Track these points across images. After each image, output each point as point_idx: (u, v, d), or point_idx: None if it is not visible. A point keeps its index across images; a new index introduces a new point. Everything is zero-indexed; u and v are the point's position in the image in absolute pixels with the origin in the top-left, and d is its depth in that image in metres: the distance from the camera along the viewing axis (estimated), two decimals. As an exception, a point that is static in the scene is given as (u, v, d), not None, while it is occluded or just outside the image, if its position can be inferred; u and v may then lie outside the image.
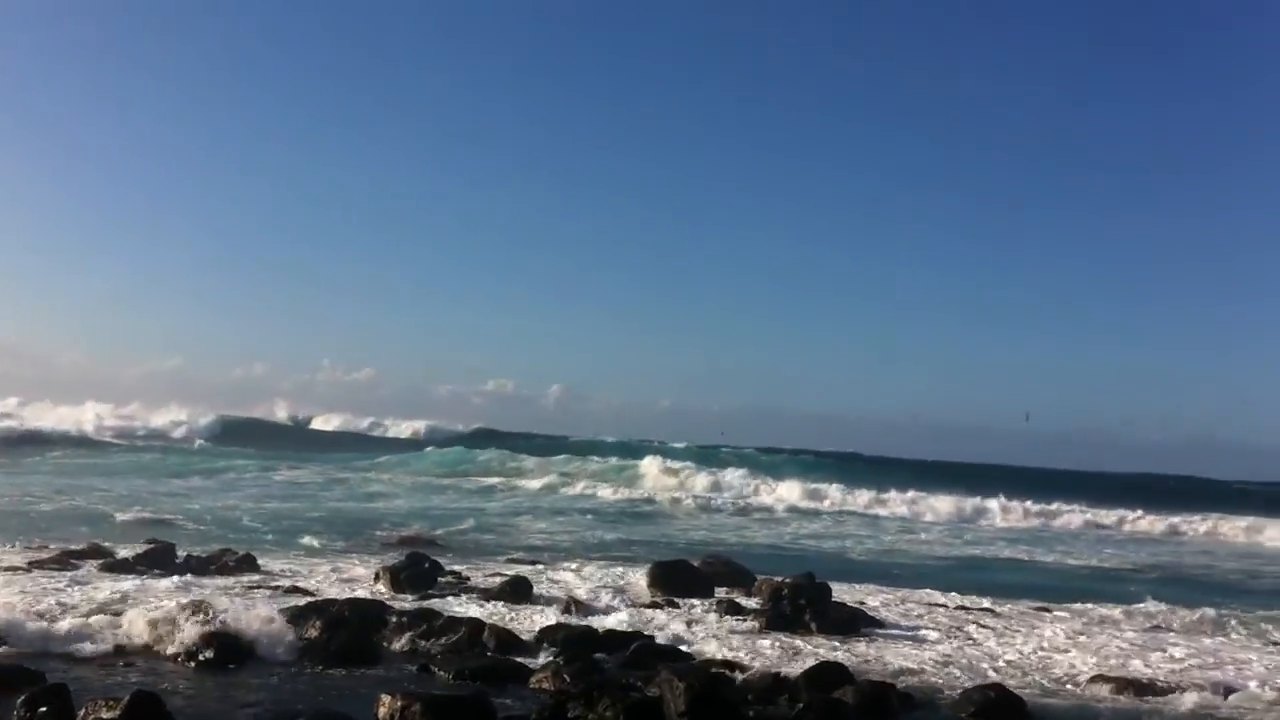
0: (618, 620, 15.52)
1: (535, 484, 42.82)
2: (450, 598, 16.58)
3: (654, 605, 17.17)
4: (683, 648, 13.75)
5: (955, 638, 16.11)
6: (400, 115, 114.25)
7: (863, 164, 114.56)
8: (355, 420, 75.84)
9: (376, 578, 17.71)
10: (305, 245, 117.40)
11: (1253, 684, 13.71)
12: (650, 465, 49.39)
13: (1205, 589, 24.79)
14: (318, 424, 76.00)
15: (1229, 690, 13.16)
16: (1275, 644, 17.12)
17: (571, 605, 16.35)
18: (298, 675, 11.70)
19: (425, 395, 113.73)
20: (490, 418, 78.24)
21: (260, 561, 19.06)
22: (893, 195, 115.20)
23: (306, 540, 23.22)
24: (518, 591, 16.97)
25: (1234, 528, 41.82)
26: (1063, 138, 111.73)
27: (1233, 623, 18.57)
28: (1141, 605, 19.83)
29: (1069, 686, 13.20)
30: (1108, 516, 42.40)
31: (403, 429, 73.17)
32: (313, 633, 13.05)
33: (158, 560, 18.41)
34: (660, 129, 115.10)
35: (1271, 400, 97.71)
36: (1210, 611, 19.05)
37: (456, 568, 19.44)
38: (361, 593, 16.59)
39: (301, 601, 15.03)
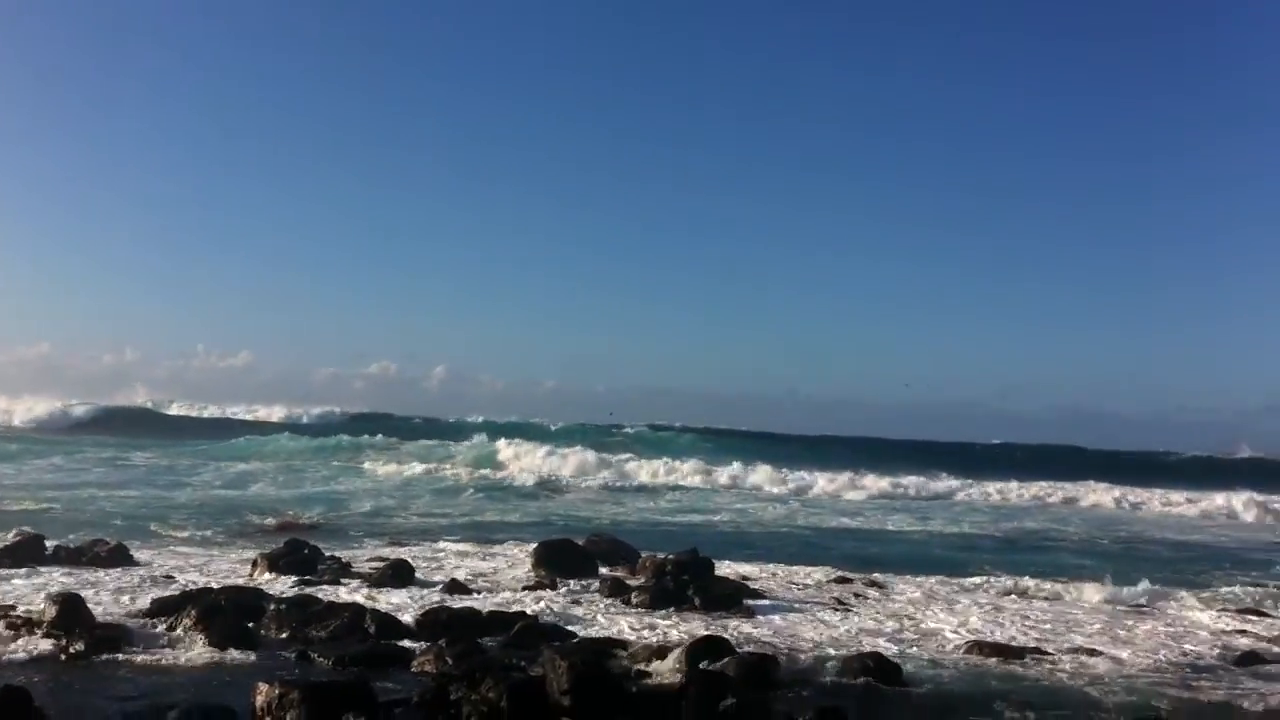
0: (501, 601, 15.47)
1: (416, 467, 42.31)
2: (330, 584, 16.36)
3: (538, 585, 17.14)
4: (567, 627, 13.77)
5: (835, 608, 16.37)
6: (265, 100, 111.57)
7: (728, 147, 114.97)
8: (230, 405, 74.37)
9: (254, 565, 17.42)
10: (177, 226, 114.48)
11: (1124, 651, 14.18)
12: (532, 445, 49.25)
13: (1079, 554, 25.53)
14: (189, 410, 74.39)
15: (1097, 653, 13.59)
16: (1140, 608, 17.68)
17: (454, 587, 16.27)
18: (173, 666, 11.44)
19: (305, 379, 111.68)
20: (373, 401, 77.37)
21: (133, 552, 18.57)
22: (758, 173, 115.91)
23: (179, 529, 22.71)
24: (399, 575, 16.81)
25: (1103, 494, 42.98)
26: (946, 114, 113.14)
27: (1108, 588, 19.12)
28: (1015, 575, 20.39)
29: (945, 653, 13.49)
30: (983, 486, 43.27)
31: (280, 413, 71.83)
32: (188, 622, 12.76)
33: (26, 553, 17.80)
34: (532, 112, 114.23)
35: (1143, 374, 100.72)
36: (1102, 585, 19.53)
37: (336, 553, 19.19)
38: (239, 581, 16.30)
39: (176, 590, 14.73)
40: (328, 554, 18.68)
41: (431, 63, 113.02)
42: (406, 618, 13.76)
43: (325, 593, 15.36)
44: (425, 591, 16.11)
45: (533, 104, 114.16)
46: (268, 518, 25.39)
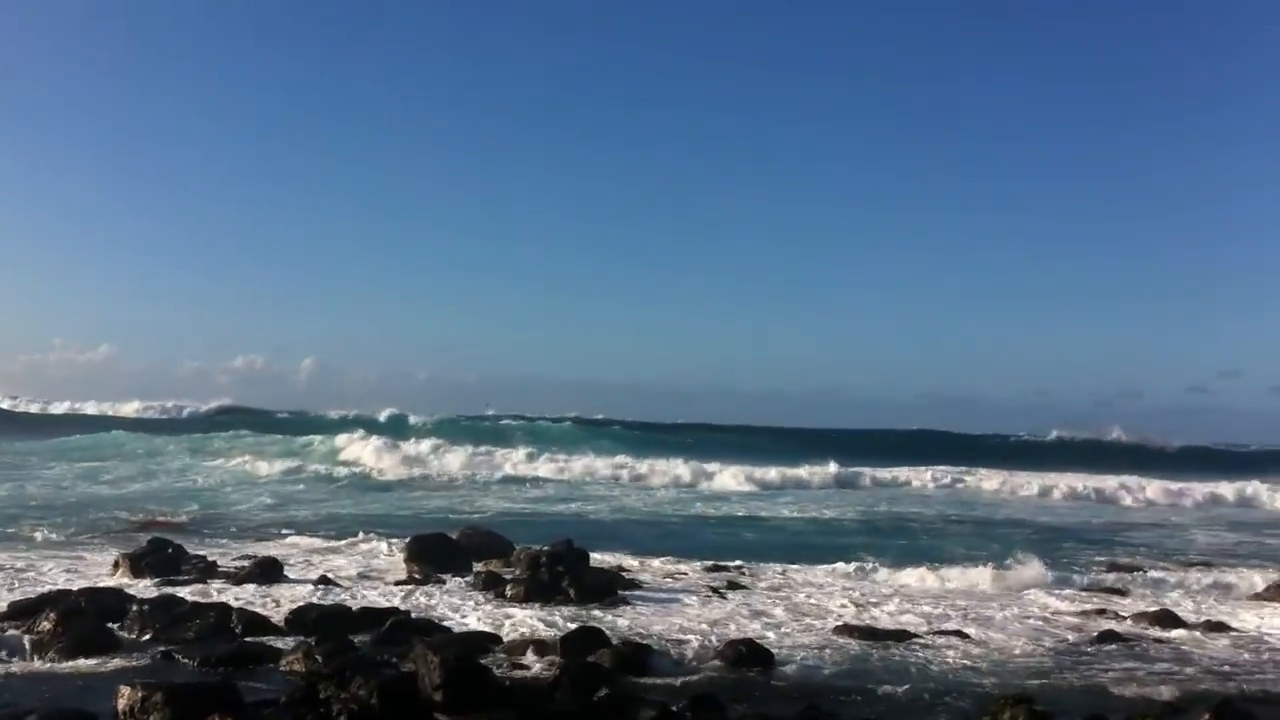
0: (372, 597, 15.29)
1: (281, 464, 40.90)
2: (196, 583, 15.99)
3: (411, 580, 16.98)
4: (440, 622, 13.66)
5: (708, 596, 16.55)
6: (114, 83, 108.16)
7: (603, 133, 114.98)
8: (82, 402, 71.95)
9: (116, 566, 16.94)
10: (30, 215, 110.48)
11: (992, 633, 14.56)
12: (404, 438, 48.71)
13: (941, 537, 26.09)
14: (42, 406, 71.91)
15: (965, 636, 13.93)
16: (1006, 591, 18.17)
17: (324, 584, 16.04)
18: (31, 671, 11.06)
19: (169, 373, 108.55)
20: (239, 394, 75.64)
21: (-15, 555, 17.93)
22: (645, 163, 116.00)
23: (35, 529, 21.92)
24: (267, 573, 16.51)
25: (970, 477, 43.96)
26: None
27: (968, 570, 19.59)
28: (883, 559, 20.80)
29: (817, 637, 13.70)
30: (858, 471, 43.73)
31: (139, 408, 69.71)
32: (46, 625, 12.36)
33: None
34: (394, 94, 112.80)
35: (1007, 360, 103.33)
36: (965, 568, 20.00)
37: (202, 552, 18.76)
38: (100, 582, 15.83)
39: (33, 593, 14.25)
40: (193, 553, 18.25)
41: (279, 44, 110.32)
42: (275, 616, 13.52)
43: (190, 592, 15.00)
44: (294, 589, 15.85)
45: (394, 87, 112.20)
46: (129, 516, 24.66)
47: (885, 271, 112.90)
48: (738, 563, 20.12)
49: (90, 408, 70.55)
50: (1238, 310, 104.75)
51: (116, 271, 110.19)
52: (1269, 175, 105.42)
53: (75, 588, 14.68)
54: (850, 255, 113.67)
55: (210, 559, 18.04)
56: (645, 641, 12.80)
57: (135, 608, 13.21)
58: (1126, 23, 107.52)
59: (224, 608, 13.47)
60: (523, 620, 14.17)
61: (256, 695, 9.79)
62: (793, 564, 20.06)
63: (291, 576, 16.86)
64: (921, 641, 13.55)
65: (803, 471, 42.07)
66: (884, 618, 15.09)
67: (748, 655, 12.06)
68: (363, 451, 45.22)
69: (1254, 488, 40.29)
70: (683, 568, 19.43)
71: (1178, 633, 14.63)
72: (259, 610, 13.71)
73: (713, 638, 13.30)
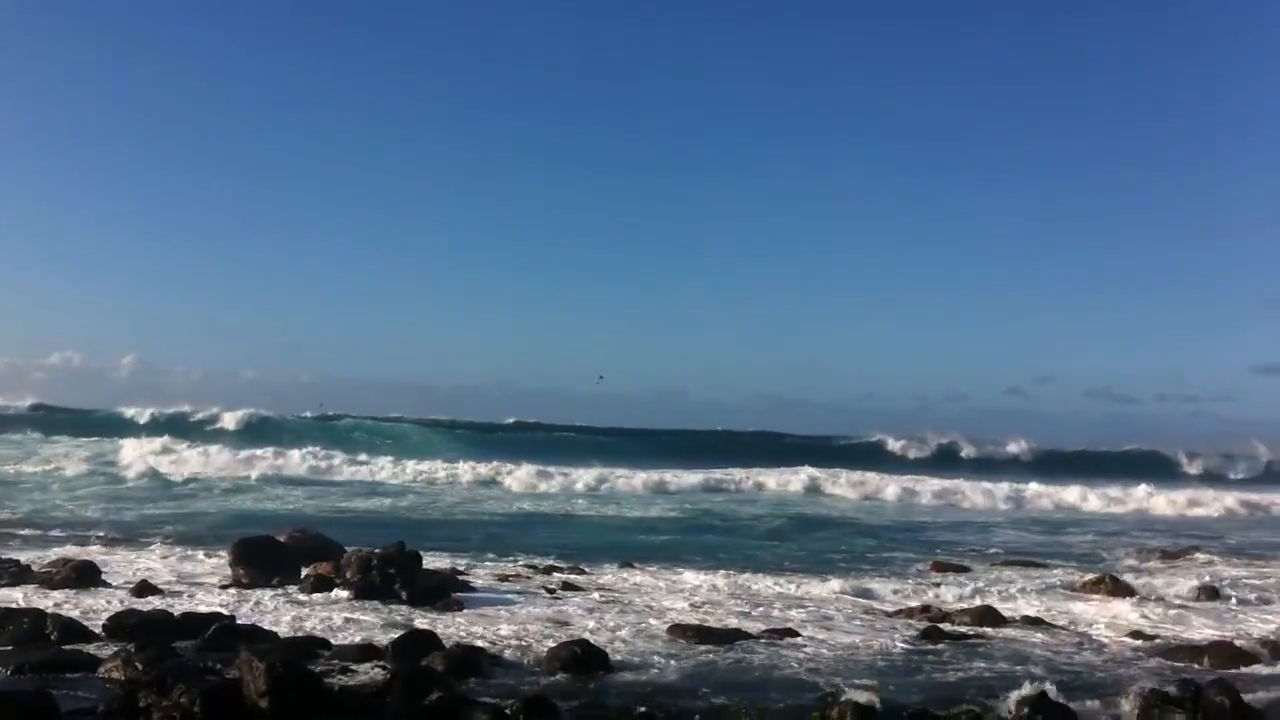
0: (195, 603, 14.86)
1: (96, 464, 38.78)
2: (7, 587, 15.33)
3: (237, 584, 16.57)
4: (267, 627, 13.34)
5: (543, 597, 16.55)
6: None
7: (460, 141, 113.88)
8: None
9: (-81, 572, 16.13)
10: None
11: (822, 633, 14.87)
12: (225, 439, 47.41)
13: (774, 539, 26.58)
14: None
15: (795, 634, 14.20)
16: (838, 593, 18.60)
17: (144, 589, 15.53)
18: None
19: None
20: (54, 393, 72.28)
21: None
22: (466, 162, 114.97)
23: None
24: (84, 577, 15.92)
25: (792, 477, 44.64)
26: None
27: (799, 572, 19.99)
28: (714, 558, 21.12)
29: (651, 638, 13.80)
30: (690, 474, 43.93)
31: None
32: None
33: None
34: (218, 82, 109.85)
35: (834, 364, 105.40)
36: (794, 575, 20.39)
37: (12, 555, 17.99)
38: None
39: None
40: (3, 556, 17.49)
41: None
42: (93, 623, 13.03)
43: (3, 596, 14.38)
44: (112, 594, 15.32)
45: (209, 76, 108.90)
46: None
47: (722, 275, 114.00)
48: (572, 563, 20.18)
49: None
50: (1053, 314, 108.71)
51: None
52: (1098, 175, 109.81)
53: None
54: (688, 260, 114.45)
55: (22, 562, 17.31)
56: (478, 644, 12.74)
57: (-60, 615, 12.61)
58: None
59: (38, 613, 12.92)
60: (354, 623, 13.96)
61: (74, 704, 9.46)
62: (628, 565, 20.19)
63: (109, 581, 16.29)
64: (754, 641, 13.75)
65: (639, 476, 42.16)
66: (718, 618, 15.28)
67: (582, 656, 12.07)
68: (184, 452, 43.60)
69: (1070, 490, 41.97)
70: (519, 569, 19.38)
71: (999, 629, 15.16)
72: (75, 616, 13.21)
73: (547, 638, 13.29)
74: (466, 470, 42.22)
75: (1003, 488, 41.52)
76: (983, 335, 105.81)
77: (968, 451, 61.67)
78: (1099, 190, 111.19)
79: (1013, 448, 62.40)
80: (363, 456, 44.41)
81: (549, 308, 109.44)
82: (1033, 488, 41.75)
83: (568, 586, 17.62)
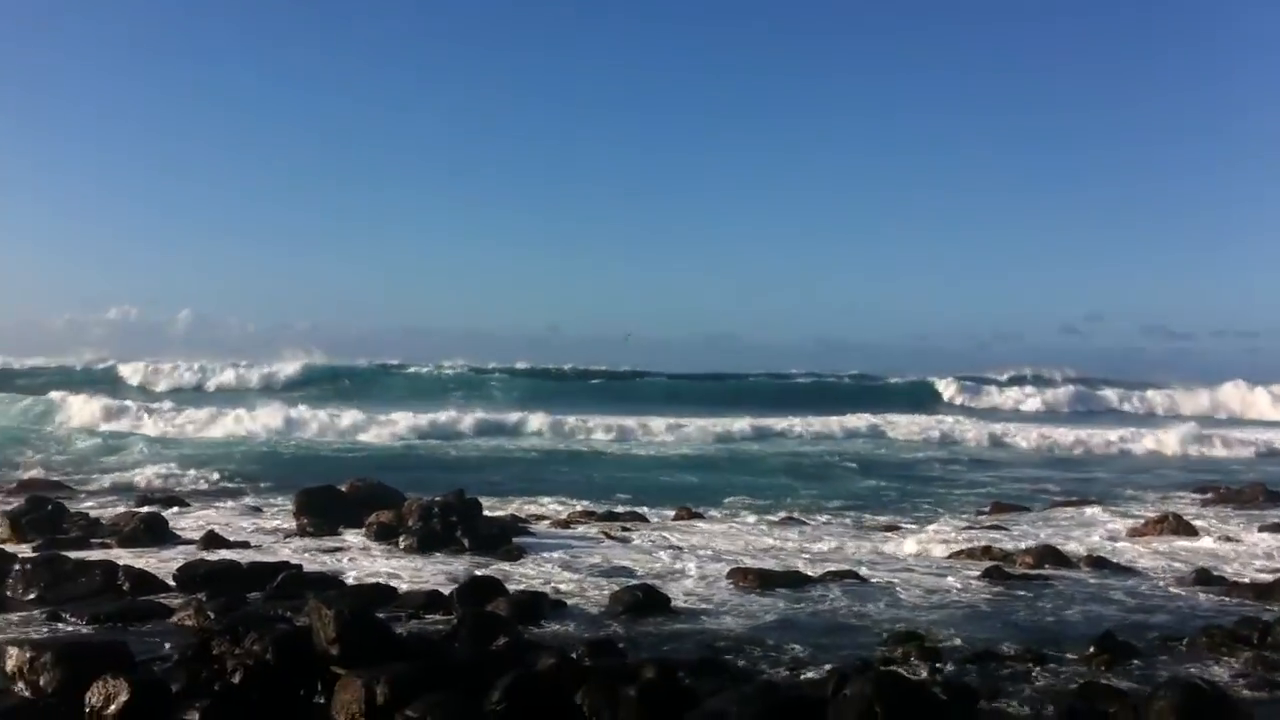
0: (262, 552, 15.09)
1: (158, 424, 38.57)
2: (79, 542, 15.61)
3: (302, 534, 16.81)
4: (333, 575, 13.53)
5: (603, 542, 16.67)
6: None
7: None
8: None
9: (-7, 525, 16.46)
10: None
11: (883, 572, 14.88)
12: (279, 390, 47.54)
13: (820, 478, 26.52)
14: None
15: (851, 575, 14.21)
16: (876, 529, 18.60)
17: (211, 540, 15.77)
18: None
19: (40, 326, 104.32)
20: (113, 348, 73.09)
21: None
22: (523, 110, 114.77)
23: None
24: (153, 530, 16.19)
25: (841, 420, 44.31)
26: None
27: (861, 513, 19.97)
28: (758, 499, 21.17)
29: (713, 581, 13.87)
30: (730, 418, 43.73)
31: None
32: (-78, 589, 12.02)
33: None
34: (244, 33, 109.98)
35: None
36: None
37: (85, 508, 18.33)
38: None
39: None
40: (74, 509, 17.83)
41: None
42: (163, 573, 13.27)
43: (76, 549, 14.64)
44: (182, 546, 15.59)
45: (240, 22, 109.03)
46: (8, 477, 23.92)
47: (772, 217, 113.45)
48: (630, 508, 20.29)
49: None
50: (1105, 248, 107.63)
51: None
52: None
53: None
54: (741, 201, 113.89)
55: (93, 516, 17.64)
56: (542, 590, 12.86)
57: (18, 567, 12.85)
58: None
59: (110, 565, 13.15)
60: (417, 571, 14.14)
61: (148, 653, 9.64)
62: (686, 509, 20.26)
63: (177, 532, 16.57)
64: (815, 584, 13.76)
65: (694, 421, 42.00)
66: (779, 561, 15.33)
67: (645, 600, 12.15)
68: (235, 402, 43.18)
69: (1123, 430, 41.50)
70: (578, 513, 19.52)
71: (1061, 569, 15.09)
72: (146, 568, 13.45)
73: (609, 584, 13.39)
74: (527, 417, 41.95)
75: (1059, 431, 40.99)
76: (1034, 272, 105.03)
77: (1026, 390, 61.14)
78: (1152, 116, 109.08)
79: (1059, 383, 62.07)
80: (415, 403, 44.36)
81: (597, 250, 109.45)
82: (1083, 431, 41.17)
83: (627, 530, 17.73)
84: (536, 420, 39.14)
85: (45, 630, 10.84)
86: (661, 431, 37.53)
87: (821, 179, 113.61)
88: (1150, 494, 24.81)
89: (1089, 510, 21.48)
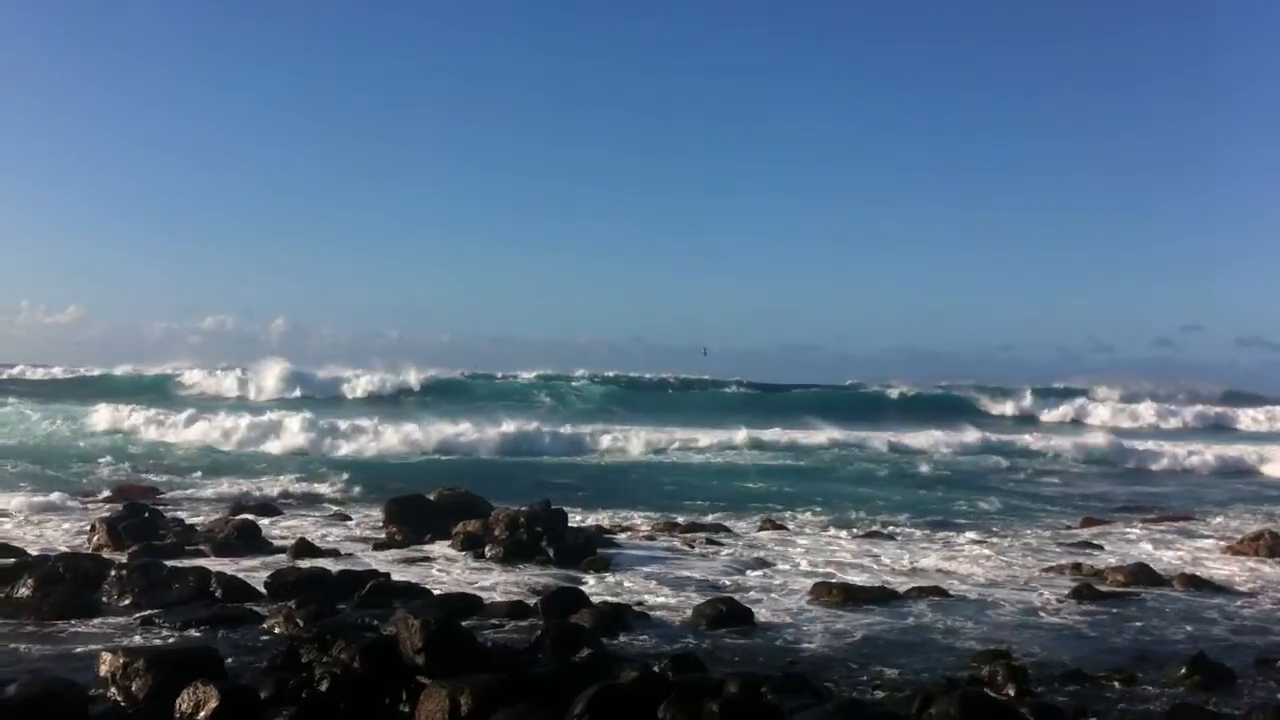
0: (352, 561, 15.29)
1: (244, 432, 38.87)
2: (174, 548, 15.93)
3: (391, 542, 17.01)
4: (420, 584, 13.66)
5: (687, 554, 16.67)
6: (66, 38, 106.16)
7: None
8: (58, 364, 69.97)
9: (92, 530, 16.86)
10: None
11: (970, 588, 14.70)
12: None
13: (908, 490, 26.25)
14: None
15: (938, 592, 14.05)
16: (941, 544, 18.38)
17: (302, 548, 16.01)
18: (9, 638, 11.00)
19: (137, 334, 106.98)
20: (208, 356, 74.47)
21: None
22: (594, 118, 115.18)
23: (14, 498, 21.62)
24: (245, 538, 16.48)
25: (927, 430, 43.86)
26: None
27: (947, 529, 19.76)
28: (836, 512, 21.05)
29: (796, 595, 13.80)
30: (813, 429, 43.34)
31: (108, 370, 67.29)
32: (24, 592, 12.35)
33: None
34: (368, 52, 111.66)
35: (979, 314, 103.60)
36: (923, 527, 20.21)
37: (180, 515, 18.72)
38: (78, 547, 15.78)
39: (9, 560, 14.18)
40: (170, 516, 18.22)
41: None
42: (254, 580, 13.50)
43: (171, 556, 14.95)
44: (274, 555, 15.84)
45: (369, 45, 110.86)
46: (109, 481, 24.48)
47: (854, 227, 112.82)
48: (714, 520, 20.28)
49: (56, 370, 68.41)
50: (1200, 259, 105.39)
51: (84, 233, 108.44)
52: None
53: (54, 552, 14.64)
54: (817, 208, 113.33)
55: (188, 523, 18.01)
56: (626, 602, 12.89)
57: (114, 573, 13.16)
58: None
59: (203, 572, 13.42)
60: (503, 582, 14.24)
61: (238, 659, 9.82)
62: (770, 521, 20.20)
63: (269, 540, 16.84)
64: (900, 600, 13.64)
65: (772, 431, 41.72)
66: (864, 576, 15.22)
67: (728, 614, 12.13)
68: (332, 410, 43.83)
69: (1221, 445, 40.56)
70: (662, 526, 19.51)
71: (1154, 588, 14.80)
72: (238, 575, 13.70)
73: (693, 595, 13.39)
74: (612, 427, 41.93)
75: (1148, 443, 40.16)
76: (1126, 283, 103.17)
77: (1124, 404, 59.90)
78: (1242, 125, 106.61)
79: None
80: (501, 412, 44.58)
81: (679, 262, 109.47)
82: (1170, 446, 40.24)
83: (711, 543, 17.69)
84: (621, 431, 39.16)
85: (139, 636, 11.09)
86: (744, 442, 37.39)
87: (911, 191, 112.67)
88: (1249, 511, 24.24)
89: (1184, 525, 21.06)
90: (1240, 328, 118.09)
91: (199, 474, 26.58)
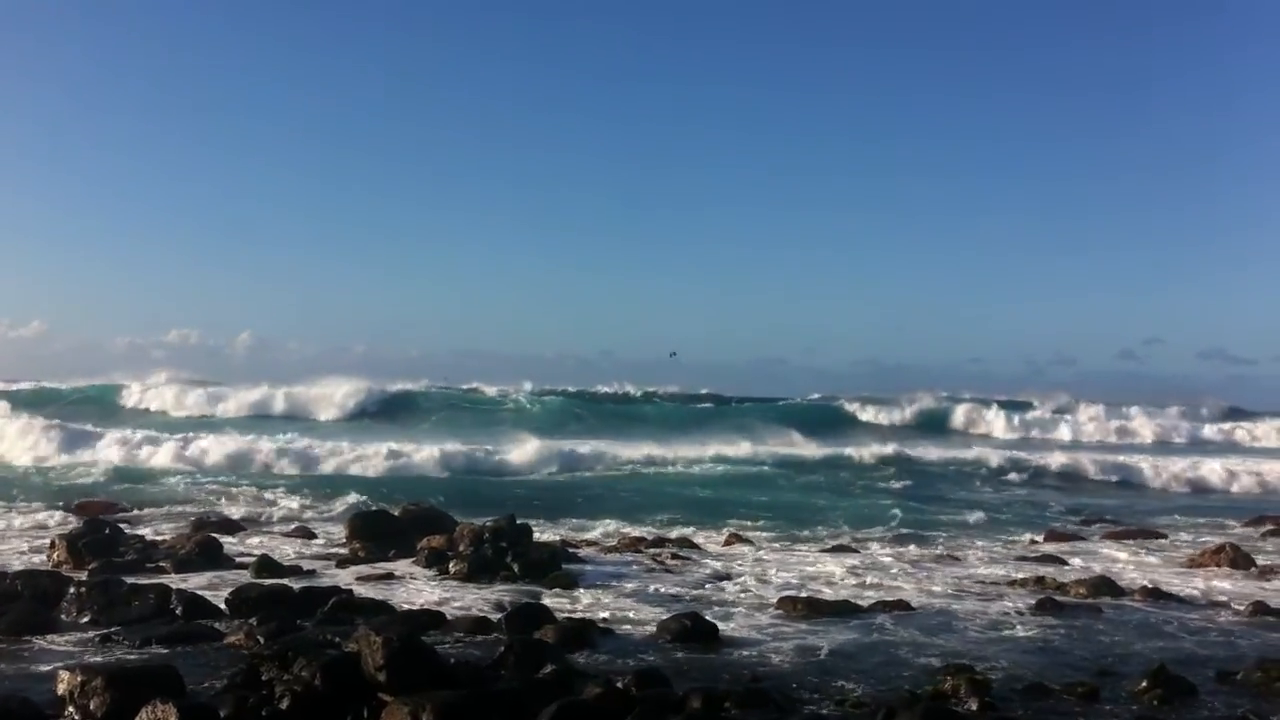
0: (314, 577, 15.20)
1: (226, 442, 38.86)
2: (134, 565, 15.79)
3: (354, 559, 16.92)
4: (383, 600, 13.60)
5: (651, 568, 16.64)
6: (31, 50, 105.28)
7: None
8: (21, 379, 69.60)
9: (52, 547, 16.68)
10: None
11: (935, 601, 14.75)
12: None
13: (872, 503, 26.32)
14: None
15: (901, 606, 14.09)
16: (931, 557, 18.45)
17: (264, 565, 15.90)
18: (-36, 658, 10.87)
19: (101, 349, 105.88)
20: (173, 370, 73.90)
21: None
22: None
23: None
24: (207, 554, 16.36)
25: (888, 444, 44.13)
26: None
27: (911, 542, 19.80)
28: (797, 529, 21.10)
29: (762, 610, 13.81)
30: (784, 441, 43.57)
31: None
32: (-20, 611, 12.20)
33: None
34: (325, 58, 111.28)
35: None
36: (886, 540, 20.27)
37: (141, 532, 18.56)
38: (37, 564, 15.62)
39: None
40: (131, 533, 18.06)
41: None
42: (216, 598, 13.40)
43: (131, 573, 14.81)
44: (235, 571, 15.73)
45: (335, 58, 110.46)
46: (62, 499, 24.23)
47: (825, 238, 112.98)
48: (680, 534, 20.27)
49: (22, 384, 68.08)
50: (1161, 272, 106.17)
51: (47, 246, 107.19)
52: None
53: (10, 570, 14.49)
54: (788, 219, 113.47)
55: (149, 539, 17.87)
56: (589, 617, 12.86)
57: (73, 590, 13.03)
58: None
59: (163, 589, 13.31)
60: (466, 598, 14.18)
61: (198, 677, 9.74)
62: (736, 535, 20.22)
63: (231, 556, 16.72)
64: (865, 614, 13.67)
65: (743, 444, 41.84)
66: (829, 590, 15.24)
67: (693, 629, 12.11)
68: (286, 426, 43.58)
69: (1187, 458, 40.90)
70: (627, 540, 19.47)
71: (1116, 599, 14.90)
72: (199, 591, 13.59)
73: (657, 610, 13.37)
74: (577, 441, 41.91)
75: (1115, 457, 40.45)
76: (1090, 297, 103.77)
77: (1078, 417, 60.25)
78: (1210, 139, 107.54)
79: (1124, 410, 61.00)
80: (467, 426, 44.48)
81: (649, 276, 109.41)
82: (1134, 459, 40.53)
83: (676, 557, 17.68)
84: (587, 444, 39.09)
85: (98, 654, 10.98)
86: (710, 455, 37.39)
87: (871, 203, 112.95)
88: (1210, 524, 24.45)
89: (1147, 539, 21.22)
90: (1201, 341, 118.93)
91: (161, 490, 26.35)
